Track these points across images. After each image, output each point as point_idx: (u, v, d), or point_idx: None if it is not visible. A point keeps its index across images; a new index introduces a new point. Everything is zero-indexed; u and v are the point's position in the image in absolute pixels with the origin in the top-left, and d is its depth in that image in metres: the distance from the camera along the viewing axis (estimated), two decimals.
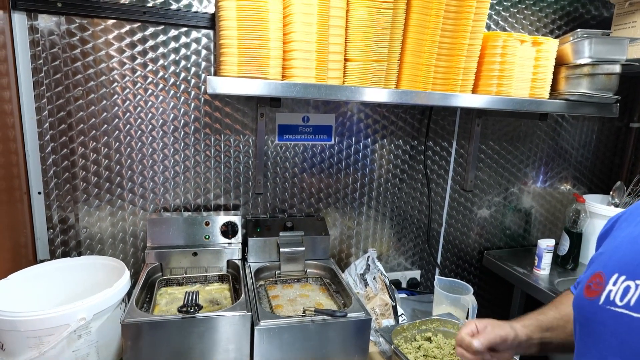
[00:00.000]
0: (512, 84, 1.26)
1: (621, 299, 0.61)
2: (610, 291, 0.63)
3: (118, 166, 1.35)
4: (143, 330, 0.96)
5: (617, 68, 1.31)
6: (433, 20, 1.13)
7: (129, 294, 1.10)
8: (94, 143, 1.31)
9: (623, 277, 0.63)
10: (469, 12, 1.15)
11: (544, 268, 1.63)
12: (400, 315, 1.33)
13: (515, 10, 1.63)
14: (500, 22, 1.62)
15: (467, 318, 1.36)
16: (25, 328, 0.89)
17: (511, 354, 0.88)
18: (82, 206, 1.34)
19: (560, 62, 1.33)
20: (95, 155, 1.32)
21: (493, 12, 1.59)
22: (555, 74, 1.33)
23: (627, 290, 0.61)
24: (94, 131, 1.30)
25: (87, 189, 1.33)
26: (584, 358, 0.68)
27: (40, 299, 1.10)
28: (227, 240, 1.35)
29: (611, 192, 1.73)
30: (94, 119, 1.30)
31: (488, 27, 1.60)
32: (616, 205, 1.68)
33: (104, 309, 0.99)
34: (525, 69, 1.27)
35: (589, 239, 1.68)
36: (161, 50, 1.31)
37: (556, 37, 1.35)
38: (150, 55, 1.30)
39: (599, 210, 1.63)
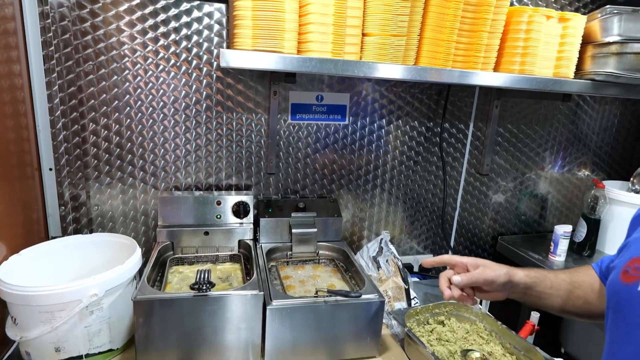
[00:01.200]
0: (536, 62, 1.21)
1: None
2: None
3: (129, 143, 1.33)
4: (155, 308, 0.95)
5: None
6: None
7: (140, 272, 1.09)
8: (105, 119, 1.29)
9: None
10: None
11: (559, 254, 1.59)
12: (413, 299, 1.31)
13: None
14: None
15: (480, 304, 1.34)
16: (37, 303, 0.89)
17: (504, 295, 0.90)
18: (93, 183, 1.33)
19: (587, 40, 1.27)
20: (106, 132, 1.30)
21: None
22: (582, 52, 1.27)
23: None
24: (104, 107, 1.28)
25: (98, 166, 1.32)
26: (618, 344, 0.65)
27: (52, 275, 1.10)
28: (238, 220, 1.34)
29: (631, 179, 1.68)
30: (104, 95, 1.28)
31: (510, 3, 1.53)
32: (636, 192, 1.63)
33: (116, 286, 0.98)
34: (550, 46, 1.22)
35: (607, 226, 1.64)
36: (173, 24, 1.27)
37: (585, 13, 1.29)
38: (162, 29, 1.27)
39: (619, 197, 1.59)
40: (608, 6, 1.25)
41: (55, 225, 1.30)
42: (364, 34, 1.08)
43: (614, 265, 0.77)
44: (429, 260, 0.96)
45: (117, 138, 1.32)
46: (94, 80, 1.26)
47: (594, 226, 1.63)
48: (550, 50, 1.22)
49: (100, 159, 1.32)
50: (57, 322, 0.90)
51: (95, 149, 1.30)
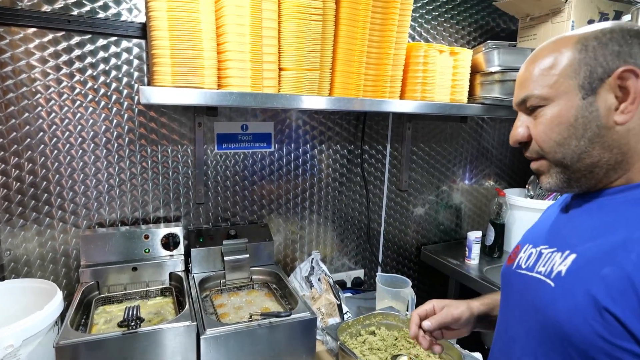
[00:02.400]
0: (434, 90, 1.38)
1: (525, 262, 0.73)
2: (520, 258, 0.76)
3: (45, 182, 1.27)
4: (80, 352, 0.92)
5: None
6: (360, 31, 1.21)
7: (62, 317, 1.04)
8: (16, 159, 1.23)
9: (530, 246, 0.75)
10: (392, 24, 1.24)
11: (473, 258, 1.76)
12: (346, 313, 1.38)
13: (436, 23, 1.77)
14: (423, 33, 1.75)
15: (407, 310, 1.45)
16: None
17: (469, 329, 0.93)
18: (4, 227, 1.24)
19: (475, 70, 1.47)
20: (17, 171, 1.24)
21: (416, 25, 1.72)
22: (472, 80, 1.47)
23: (530, 255, 0.73)
24: (15, 146, 1.22)
25: (9, 208, 1.24)
26: (501, 316, 0.79)
27: None
28: (168, 253, 1.33)
29: (527, 186, 1.92)
30: (14, 133, 1.22)
31: (412, 38, 1.73)
32: (531, 197, 1.86)
33: (35, 334, 0.94)
34: (445, 76, 1.40)
35: (510, 229, 1.85)
36: (89, 59, 1.26)
37: (471, 47, 1.50)
38: (77, 65, 1.25)
39: (517, 202, 1.81)
40: (489, 41, 1.46)
41: None
42: (280, 69, 1.16)
43: None
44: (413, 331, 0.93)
45: (31, 177, 1.26)
46: (2, 118, 1.20)
47: (500, 230, 1.83)
48: (445, 79, 1.40)
49: (12, 200, 1.24)
50: None
51: (5, 190, 1.23)
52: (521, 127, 0.72)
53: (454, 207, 2.05)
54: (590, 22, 1.53)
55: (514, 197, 1.82)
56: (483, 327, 0.94)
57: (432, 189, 1.95)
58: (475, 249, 1.76)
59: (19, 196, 1.25)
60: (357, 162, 1.74)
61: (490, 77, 1.45)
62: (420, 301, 1.71)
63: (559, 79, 0.65)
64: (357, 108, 1.25)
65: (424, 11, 1.73)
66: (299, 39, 1.12)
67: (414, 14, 1.61)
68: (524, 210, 1.79)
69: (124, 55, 1.30)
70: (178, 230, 1.35)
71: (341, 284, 1.77)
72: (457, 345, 1.19)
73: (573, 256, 0.64)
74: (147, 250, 1.31)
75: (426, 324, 0.90)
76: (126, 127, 1.34)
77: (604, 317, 0.56)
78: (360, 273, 1.85)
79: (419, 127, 1.85)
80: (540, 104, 0.68)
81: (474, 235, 1.75)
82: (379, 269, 1.89)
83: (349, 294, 1.72)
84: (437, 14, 1.76)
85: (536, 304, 0.67)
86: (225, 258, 1.37)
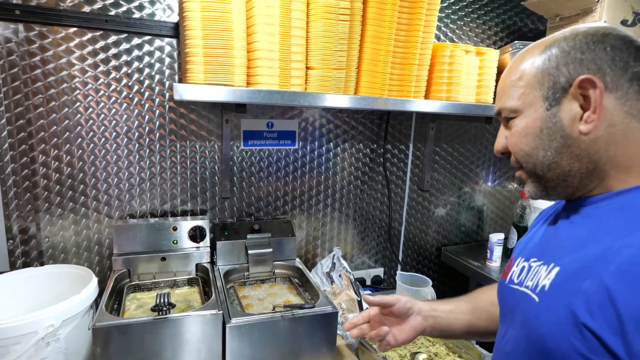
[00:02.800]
0: (459, 90, 1.38)
1: (517, 277, 0.72)
2: (513, 272, 0.74)
3: (81, 174, 1.34)
4: (114, 334, 0.97)
5: None
6: (387, 31, 1.23)
7: (96, 302, 1.10)
8: (56, 151, 1.30)
9: (522, 259, 0.74)
10: (419, 24, 1.25)
11: (495, 260, 1.75)
12: (366, 309, 1.40)
13: (462, 23, 1.77)
14: (449, 33, 1.75)
15: None
16: None
17: (419, 324, 0.90)
18: (43, 215, 1.32)
19: (501, 70, 1.46)
20: (57, 163, 1.31)
21: (442, 25, 1.72)
22: (498, 80, 1.46)
23: (522, 269, 0.72)
24: (55, 139, 1.29)
25: (49, 197, 1.31)
26: (499, 332, 0.77)
27: (3, 311, 1.08)
28: (195, 245, 1.37)
29: None
30: (55, 127, 1.29)
31: (438, 38, 1.73)
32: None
33: (73, 316, 0.99)
34: (470, 76, 1.40)
35: None
36: (124, 58, 1.32)
37: (498, 48, 1.49)
38: (114, 63, 1.31)
39: (540, 205, 1.78)
40: (516, 42, 1.46)
41: (3, 260, 1.26)
42: (307, 67, 1.19)
43: None
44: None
45: (69, 169, 1.32)
46: (43, 112, 1.27)
47: (523, 233, 1.80)
48: (471, 80, 1.40)
49: (51, 191, 1.31)
50: (11, 356, 0.89)
51: (45, 181, 1.30)
52: (501, 137, 0.72)
53: (476, 209, 2.03)
54: (624, 22, 1.49)
55: (538, 200, 1.80)
56: (431, 326, 0.92)
57: (454, 190, 1.95)
58: (497, 251, 1.75)
59: (58, 187, 1.32)
60: (380, 162, 1.76)
61: None
62: None
63: (525, 90, 0.65)
64: (382, 107, 1.26)
65: (450, 11, 1.73)
66: (326, 38, 1.15)
67: (440, 14, 1.61)
68: None
69: (157, 54, 1.35)
70: (204, 223, 1.40)
71: (361, 282, 1.79)
72: (477, 346, 1.20)
73: (557, 269, 0.62)
74: (175, 242, 1.36)
75: (370, 297, 0.95)
76: (157, 122, 1.40)
77: (583, 333, 0.55)
78: (379, 271, 1.86)
79: (443, 127, 1.84)
80: (511, 116, 0.68)
81: (496, 238, 1.74)
82: (399, 267, 1.89)
83: (369, 292, 1.74)
84: (463, 13, 1.76)
85: (523, 319, 0.66)
86: (249, 251, 1.41)
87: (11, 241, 1.28)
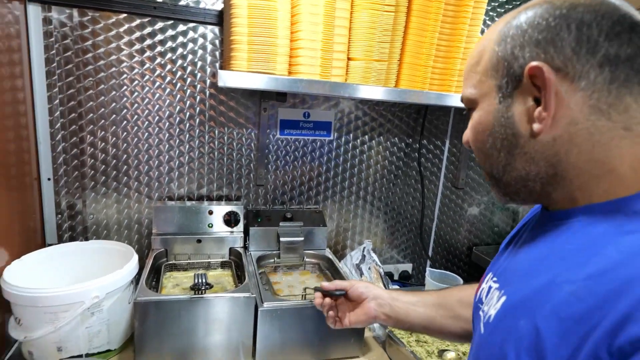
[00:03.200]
0: None
1: (484, 296, 0.61)
2: (482, 289, 0.63)
3: (125, 155, 1.39)
4: (153, 309, 1.01)
5: None
6: (432, 24, 1.20)
7: (136, 277, 1.15)
8: (103, 132, 1.36)
9: (490, 275, 0.63)
10: (465, 17, 1.22)
11: None
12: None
13: None
14: None
15: None
16: (43, 304, 0.94)
17: (372, 309, 0.88)
18: (89, 193, 1.38)
19: None
20: (103, 144, 1.37)
21: (487, 18, 1.67)
22: None
23: (487, 289, 0.60)
24: (102, 121, 1.35)
25: (94, 176, 1.38)
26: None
27: (52, 280, 1.14)
28: (229, 229, 1.41)
29: None
30: (103, 109, 1.34)
31: (482, 32, 1.68)
32: None
33: (115, 289, 1.04)
34: None
35: None
36: (169, 44, 1.36)
37: None
38: (159, 49, 1.35)
39: None
40: None
41: (51, 233, 1.34)
42: (349, 58, 1.18)
43: None
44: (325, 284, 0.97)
45: (114, 150, 1.38)
46: (93, 95, 1.33)
47: None
48: None
49: (97, 170, 1.38)
50: (60, 323, 0.95)
51: (92, 160, 1.36)
52: (467, 129, 0.61)
53: (511, 210, 1.98)
54: None
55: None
56: (387, 313, 0.87)
57: (489, 189, 1.90)
58: None
59: (103, 166, 1.38)
60: (414, 156, 1.74)
61: None
62: None
63: (482, 77, 0.54)
64: (423, 101, 1.25)
65: (496, 4, 1.67)
66: (370, 29, 1.14)
67: (487, 7, 1.57)
68: None
69: (200, 41, 1.38)
70: (238, 208, 1.43)
71: (389, 276, 1.78)
72: None
73: (503, 298, 0.53)
74: (210, 225, 1.39)
75: (325, 283, 0.94)
76: (198, 108, 1.43)
77: None
78: (408, 267, 1.85)
79: None
80: (469, 106, 0.59)
81: None
82: (428, 264, 1.88)
83: (396, 287, 1.73)
84: (510, 7, 1.70)
85: (473, 347, 0.60)
86: (281, 239, 1.43)
87: (60, 216, 1.36)
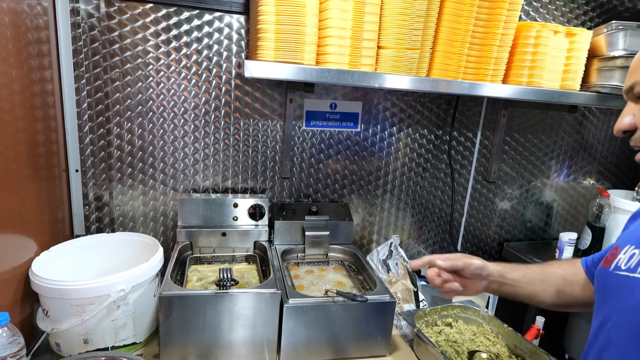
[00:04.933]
0: (543, 74, 1.26)
1: (625, 264, 0.70)
2: (620, 259, 0.72)
3: (151, 147, 1.39)
4: (178, 304, 1.00)
5: None
6: (467, 9, 1.14)
7: (161, 270, 1.14)
8: (129, 124, 1.35)
9: (632, 247, 0.71)
10: (503, 1, 1.15)
11: None
12: (422, 301, 1.36)
13: (547, 1, 1.61)
14: (531, 12, 1.60)
15: (487, 307, 1.38)
16: (70, 296, 0.94)
17: (482, 285, 0.98)
18: (116, 185, 1.39)
19: (592, 54, 1.32)
20: (129, 135, 1.36)
21: (524, 2, 1.58)
22: (587, 65, 1.32)
23: (632, 256, 0.70)
24: (129, 112, 1.35)
25: (121, 168, 1.38)
26: (595, 320, 0.76)
27: (79, 272, 1.15)
28: (254, 222, 1.39)
29: (636, 188, 1.71)
30: (129, 101, 1.34)
31: (519, 18, 1.58)
32: None
33: (141, 282, 1.04)
34: (557, 60, 1.27)
35: (611, 234, 1.68)
36: (195, 34, 1.34)
37: (587, 29, 1.34)
38: (185, 39, 1.33)
39: (623, 205, 1.62)
40: (614, 22, 1.30)
41: (79, 224, 1.35)
42: (379, 47, 1.13)
43: (600, 255, 0.86)
44: (415, 262, 1.02)
45: (140, 142, 1.38)
46: (119, 86, 1.32)
47: (599, 234, 1.67)
48: (557, 64, 1.27)
49: (124, 162, 1.38)
50: (86, 315, 0.95)
51: (119, 152, 1.37)
52: (628, 115, 0.70)
53: (545, 205, 1.89)
54: None
55: (620, 199, 1.64)
56: (496, 288, 0.98)
57: (523, 183, 1.82)
58: (568, 252, 1.63)
59: (129, 158, 1.38)
60: (444, 149, 1.67)
61: (612, 62, 1.29)
62: (500, 299, 1.62)
63: None
64: (455, 91, 1.18)
65: None
66: (402, 15, 1.08)
67: None
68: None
69: (226, 30, 1.36)
70: (263, 202, 1.41)
71: (417, 272, 1.73)
72: (544, 351, 1.12)
73: None
74: (235, 218, 1.38)
75: (439, 262, 0.95)
76: (223, 100, 1.41)
77: None
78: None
79: (515, 115, 1.71)
80: None
81: (568, 237, 1.61)
82: None
83: (424, 283, 1.68)
84: None
85: (626, 314, 0.65)
86: (307, 233, 1.41)
87: (87, 207, 1.37)
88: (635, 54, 1.24)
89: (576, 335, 1.66)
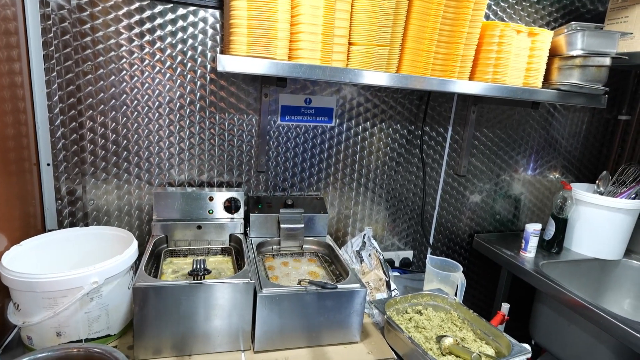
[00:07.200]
0: (507, 72, 1.32)
1: None
2: None
3: (125, 141, 1.39)
4: (153, 295, 1.01)
5: (607, 61, 1.36)
6: (434, 7, 1.18)
7: (136, 263, 1.15)
8: (102, 117, 1.35)
9: None
10: (469, 0, 1.19)
11: (530, 251, 1.70)
12: (393, 290, 1.40)
13: (514, 1, 1.67)
14: (498, 12, 1.67)
15: (455, 295, 1.44)
16: (41, 289, 0.94)
17: None
18: (89, 179, 1.38)
19: (553, 53, 1.39)
20: (103, 129, 1.36)
21: (492, 2, 1.64)
22: (549, 64, 1.38)
23: None
24: (102, 106, 1.34)
25: (94, 162, 1.37)
26: None
27: (51, 265, 1.15)
28: (229, 215, 1.41)
29: (597, 181, 1.80)
30: (102, 94, 1.33)
31: (487, 17, 1.65)
32: (601, 194, 1.75)
33: (115, 275, 1.04)
34: (520, 58, 1.33)
35: (574, 225, 1.76)
36: (169, 28, 1.34)
37: (552, 29, 1.40)
38: (159, 33, 1.33)
39: (585, 198, 1.71)
40: (573, 23, 1.36)
41: (51, 219, 1.34)
42: (350, 43, 1.16)
43: None
44: None
45: (114, 135, 1.37)
46: (92, 79, 1.31)
47: (562, 225, 1.75)
48: (520, 62, 1.33)
49: (97, 156, 1.37)
50: (59, 308, 0.96)
51: (92, 146, 1.36)
52: None
53: (513, 197, 1.97)
54: None
55: (582, 192, 1.72)
56: None
57: (492, 177, 1.89)
58: (533, 242, 1.70)
59: (103, 152, 1.37)
60: (416, 143, 1.72)
61: (571, 61, 1.35)
62: (469, 289, 1.69)
63: None
64: (425, 87, 1.23)
65: None
66: (372, 12, 1.12)
67: None
68: (591, 207, 1.70)
69: (200, 25, 1.36)
70: (239, 195, 1.43)
71: (390, 263, 1.79)
72: (507, 335, 1.18)
73: None
74: (210, 211, 1.39)
75: None
76: (198, 94, 1.42)
77: None
78: (409, 254, 1.85)
79: (485, 111, 1.78)
80: None
81: (533, 228, 1.69)
82: (429, 251, 1.88)
83: (397, 273, 1.74)
84: None
85: None
86: (282, 226, 1.43)
87: (59, 201, 1.36)
88: (597, 54, 1.31)
89: (541, 321, 1.74)
